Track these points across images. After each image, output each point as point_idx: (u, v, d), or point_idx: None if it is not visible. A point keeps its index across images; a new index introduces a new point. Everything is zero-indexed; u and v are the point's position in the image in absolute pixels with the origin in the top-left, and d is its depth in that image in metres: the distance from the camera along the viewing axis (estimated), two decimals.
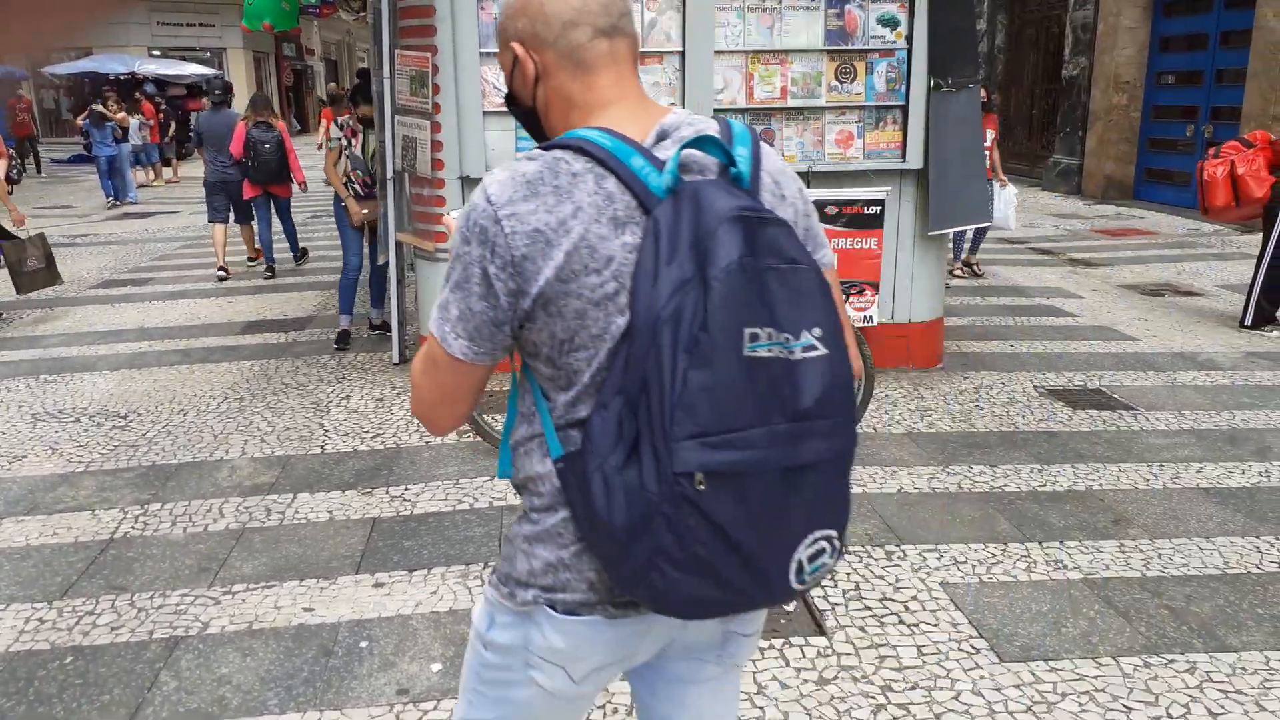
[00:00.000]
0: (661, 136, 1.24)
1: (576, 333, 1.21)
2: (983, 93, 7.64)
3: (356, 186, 6.05)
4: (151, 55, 25.70)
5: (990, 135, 7.78)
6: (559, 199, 1.18)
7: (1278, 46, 10.89)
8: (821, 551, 1.22)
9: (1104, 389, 5.44)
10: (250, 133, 7.98)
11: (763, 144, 1.30)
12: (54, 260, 7.27)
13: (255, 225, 8.76)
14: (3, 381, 5.62)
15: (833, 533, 1.23)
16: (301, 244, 9.29)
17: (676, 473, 1.12)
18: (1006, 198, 8.56)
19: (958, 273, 8.47)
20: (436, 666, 2.79)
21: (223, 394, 5.31)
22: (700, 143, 1.21)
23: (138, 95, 17.68)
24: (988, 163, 7.57)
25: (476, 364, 1.27)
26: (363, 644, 2.91)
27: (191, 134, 10.01)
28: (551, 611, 1.29)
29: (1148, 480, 4.16)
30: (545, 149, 1.24)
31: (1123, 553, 3.50)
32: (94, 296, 8.04)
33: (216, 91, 8.93)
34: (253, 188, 8.28)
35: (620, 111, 1.27)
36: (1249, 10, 11.39)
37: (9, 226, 7.21)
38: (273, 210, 8.58)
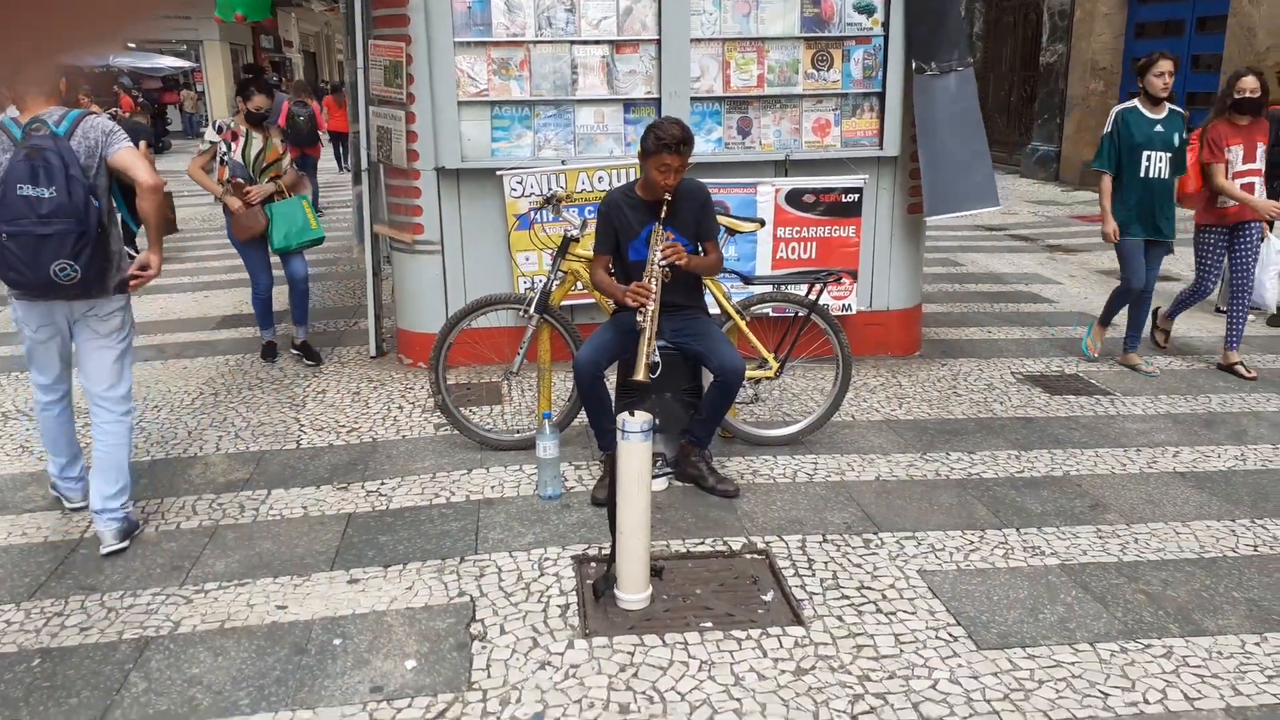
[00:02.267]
0: (34, 120, 3.20)
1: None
2: (1252, 84, 5.30)
3: (237, 196, 5.38)
4: (127, 48, 25.36)
5: (1261, 149, 5.40)
6: None
7: (1252, 32, 10.93)
8: (64, 269, 3.13)
9: (1081, 374, 5.45)
10: (291, 109, 10.98)
11: (88, 117, 3.32)
12: (174, 210, 9.27)
13: None
14: None
15: (70, 262, 3.13)
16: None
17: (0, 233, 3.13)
18: (1271, 254, 5.84)
19: (1160, 340, 6.12)
20: (411, 663, 2.76)
21: (197, 390, 5.24)
22: (40, 120, 3.19)
23: (116, 88, 17.51)
24: (1260, 190, 5.40)
25: None
26: (336, 641, 2.88)
27: (172, 125, 11.05)
28: (13, 298, 3.31)
29: (1125, 465, 4.17)
30: None
31: (1100, 538, 3.51)
32: None
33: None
34: (292, 149, 8.83)
35: (29, 110, 3.23)
36: None
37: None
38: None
